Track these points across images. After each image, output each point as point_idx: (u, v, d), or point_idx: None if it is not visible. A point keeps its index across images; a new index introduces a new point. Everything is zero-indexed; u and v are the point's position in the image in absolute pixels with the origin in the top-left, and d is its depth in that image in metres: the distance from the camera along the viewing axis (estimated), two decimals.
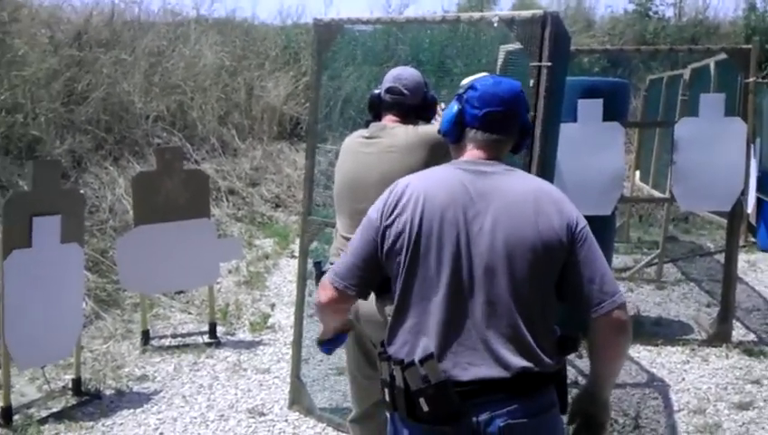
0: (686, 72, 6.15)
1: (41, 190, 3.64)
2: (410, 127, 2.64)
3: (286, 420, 3.66)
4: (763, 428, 3.58)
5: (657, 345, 4.62)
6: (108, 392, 3.91)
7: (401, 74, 2.71)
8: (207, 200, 4.79)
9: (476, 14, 3.70)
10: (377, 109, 2.74)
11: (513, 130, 1.84)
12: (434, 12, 14.85)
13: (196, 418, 3.66)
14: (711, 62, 5.55)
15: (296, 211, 8.42)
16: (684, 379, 4.17)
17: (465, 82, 1.88)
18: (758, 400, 3.86)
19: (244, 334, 4.83)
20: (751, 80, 4.53)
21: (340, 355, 3.06)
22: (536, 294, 1.69)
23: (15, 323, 3.49)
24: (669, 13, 12.88)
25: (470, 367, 1.68)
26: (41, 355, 3.74)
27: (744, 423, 3.62)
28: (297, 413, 3.72)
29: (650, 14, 12.44)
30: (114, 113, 7.79)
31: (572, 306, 1.73)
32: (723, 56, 5.16)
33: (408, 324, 1.77)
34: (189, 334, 4.78)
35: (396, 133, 2.60)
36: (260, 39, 11.10)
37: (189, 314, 5.18)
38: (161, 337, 4.70)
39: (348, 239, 2.58)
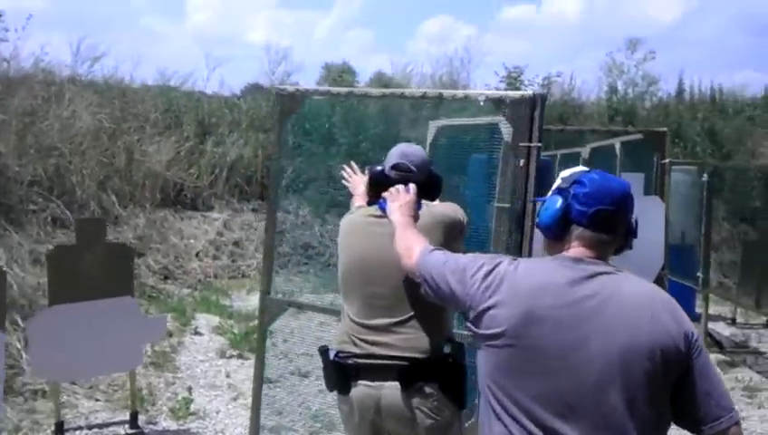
0: (585, 151, 6.55)
1: None
2: (423, 207, 2.56)
3: None
4: None
5: None
6: None
7: (407, 151, 2.63)
8: (131, 276, 4.41)
9: (460, 93, 3.71)
10: (380, 186, 2.60)
11: (622, 230, 1.78)
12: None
13: None
14: (617, 142, 5.95)
15: (187, 284, 8.02)
16: None
17: (566, 174, 1.81)
18: None
19: (166, 422, 4.43)
20: (666, 160, 4.88)
21: None
22: (652, 410, 1.60)
23: None
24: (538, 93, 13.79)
25: None
26: None
27: None
28: None
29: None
30: None
31: (681, 421, 1.66)
32: (629, 137, 5.54)
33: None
34: (107, 424, 4.30)
35: None
36: (139, 101, 10.64)
37: (97, 400, 4.68)
38: (75, 428, 4.19)
39: (361, 326, 2.43)
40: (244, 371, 5.39)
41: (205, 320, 6.56)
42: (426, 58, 42.03)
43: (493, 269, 1.76)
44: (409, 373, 2.33)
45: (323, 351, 2.51)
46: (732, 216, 10.76)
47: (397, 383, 2.34)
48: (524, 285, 1.70)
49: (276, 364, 3.93)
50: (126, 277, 4.31)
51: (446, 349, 2.38)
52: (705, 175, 7.32)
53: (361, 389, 2.39)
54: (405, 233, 2.24)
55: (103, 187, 8.78)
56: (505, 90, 13.41)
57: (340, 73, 17.41)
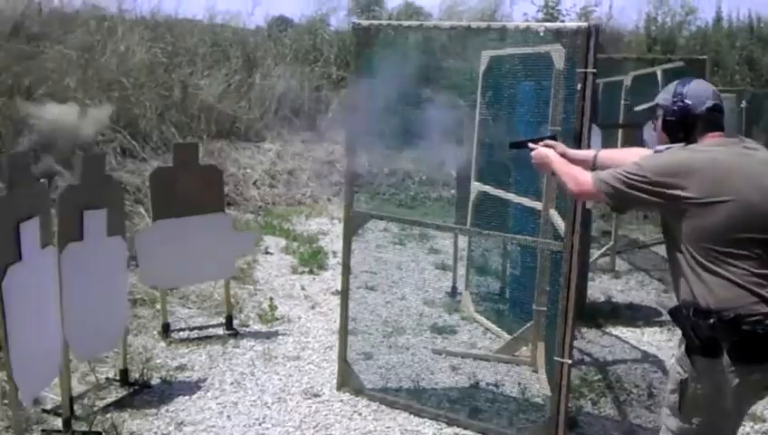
0: (628, 79, 6.82)
1: (89, 183, 3.63)
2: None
3: (341, 401, 3.88)
4: None
5: (638, 327, 5.19)
6: (154, 382, 3.96)
7: (716, 91, 2.45)
8: (222, 195, 4.86)
9: (522, 24, 4.01)
10: (691, 127, 2.39)
11: None
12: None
13: (254, 401, 3.81)
14: (658, 70, 6.24)
15: (249, 210, 8.49)
16: (673, 354, 4.71)
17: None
18: None
19: (257, 326, 4.95)
20: None
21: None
22: None
23: (72, 316, 3.47)
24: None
25: None
26: (95, 346, 3.74)
27: None
28: (347, 394, 3.93)
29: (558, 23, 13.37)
30: None
31: None
32: (670, 65, 5.83)
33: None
34: (206, 326, 4.84)
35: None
36: (187, 36, 10.98)
37: (190, 308, 5.21)
38: (180, 330, 4.73)
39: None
40: (316, 284, 5.91)
41: (273, 241, 7.06)
42: None
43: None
44: None
45: (692, 313, 2.30)
46: None
47: None
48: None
49: None
50: (218, 195, 4.76)
51: None
52: (744, 102, 7.60)
53: None
54: None
55: (162, 118, 9.22)
56: (543, 19, 13.53)
57: (369, 5, 17.46)
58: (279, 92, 10.88)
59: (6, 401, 3.26)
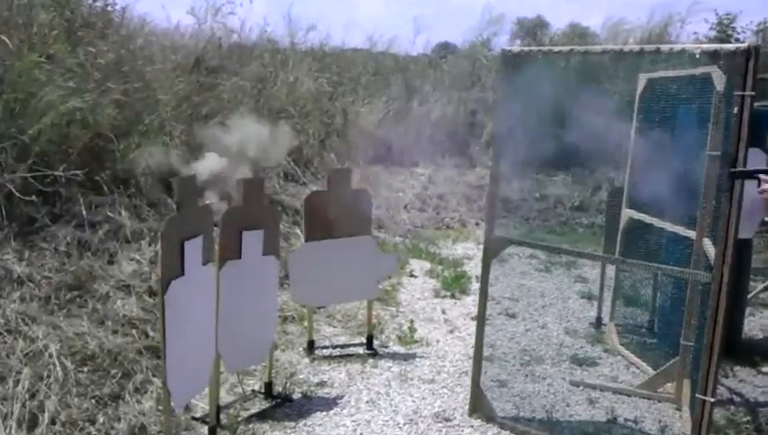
0: None
1: (248, 205, 3.97)
2: None
3: (471, 426, 3.93)
4: None
5: None
6: (295, 396, 4.23)
7: None
8: (370, 218, 5.09)
9: (677, 46, 3.90)
10: None
11: None
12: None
13: (387, 421, 3.96)
14: None
15: (398, 233, 8.74)
16: None
17: None
18: None
19: (396, 347, 5.12)
20: None
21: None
22: None
23: (227, 329, 3.81)
24: (752, 40, 13.00)
25: None
26: (245, 359, 4.07)
27: None
28: (479, 420, 3.98)
29: (732, 41, 12.60)
30: None
31: None
32: None
33: None
34: (347, 345, 5.08)
35: None
36: (351, 65, 11.54)
37: (335, 327, 5.48)
38: (323, 347, 5.01)
39: None
40: (457, 309, 6.00)
41: (418, 265, 7.24)
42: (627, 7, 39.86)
43: None
44: None
45: None
46: None
47: None
48: None
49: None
50: (366, 218, 4.99)
51: None
52: None
53: None
54: None
55: (324, 145, 9.76)
56: (716, 38, 12.81)
57: (536, 28, 17.36)
58: (434, 118, 11.14)
59: (160, 407, 3.63)
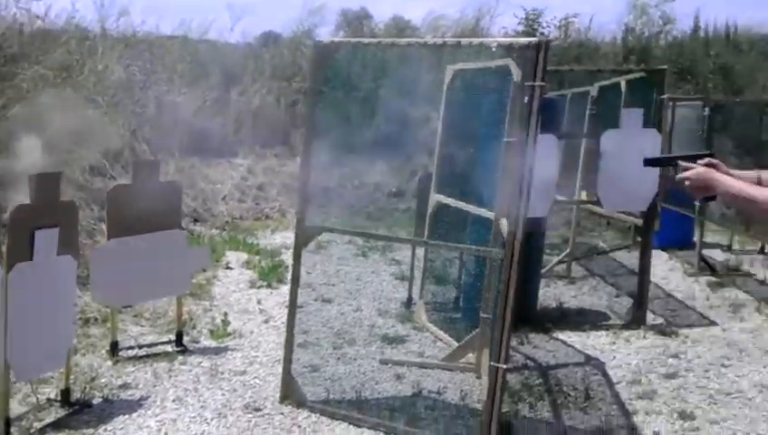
0: (594, 90, 6.94)
1: (42, 203, 3.68)
2: None
3: (282, 414, 3.94)
4: (690, 392, 4.30)
5: (584, 331, 5.30)
6: (95, 401, 4.02)
7: None
8: (179, 211, 4.92)
9: (476, 40, 4.08)
10: None
11: None
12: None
13: (194, 417, 3.87)
14: (622, 80, 6.37)
15: (215, 225, 8.57)
16: (615, 357, 4.83)
17: None
18: (681, 370, 4.60)
19: (207, 342, 5.02)
20: (665, 96, 5.31)
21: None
22: None
23: (17, 335, 3.53)
24: (555, 34, 14.00)
25: None
26: (38, 366, 3.80)
27: (674, 389, 4.33)
28: (290, 407, 4.00)
29: (537, 35, 13.48)
30: None
31: None
32: (633, 75, 5.96)
33: None
34: (155, 344, 4.90)
35: None
36: (166, 53, 11.11)
37: (142, 326, 5.27)
38: (128, 348, 4.79)
39: None
40: (273, 298, 5.99)
41: (234, 257, 7.14)
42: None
43: None
44: None
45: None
46: (740, 151, 11.08)
47: None
48: None
49: (300, 292, 4.44)
50: (176, 211, 4.82)
51: None
52: (707, 109, 7.70)
53: None
54: None
55: (135, 136, 9.32)
56: (523, 32, 13.67)
57: (359, 20, 17.59)
58: (254, 108, 11.01)
59: None
